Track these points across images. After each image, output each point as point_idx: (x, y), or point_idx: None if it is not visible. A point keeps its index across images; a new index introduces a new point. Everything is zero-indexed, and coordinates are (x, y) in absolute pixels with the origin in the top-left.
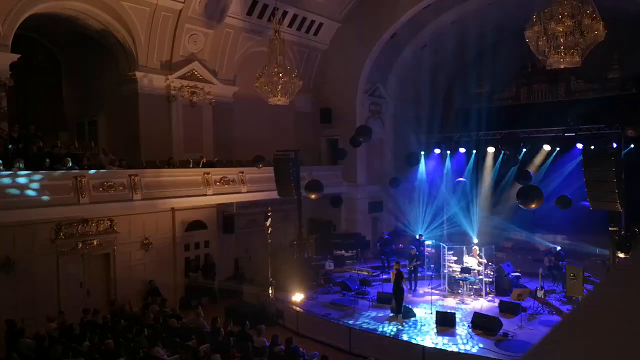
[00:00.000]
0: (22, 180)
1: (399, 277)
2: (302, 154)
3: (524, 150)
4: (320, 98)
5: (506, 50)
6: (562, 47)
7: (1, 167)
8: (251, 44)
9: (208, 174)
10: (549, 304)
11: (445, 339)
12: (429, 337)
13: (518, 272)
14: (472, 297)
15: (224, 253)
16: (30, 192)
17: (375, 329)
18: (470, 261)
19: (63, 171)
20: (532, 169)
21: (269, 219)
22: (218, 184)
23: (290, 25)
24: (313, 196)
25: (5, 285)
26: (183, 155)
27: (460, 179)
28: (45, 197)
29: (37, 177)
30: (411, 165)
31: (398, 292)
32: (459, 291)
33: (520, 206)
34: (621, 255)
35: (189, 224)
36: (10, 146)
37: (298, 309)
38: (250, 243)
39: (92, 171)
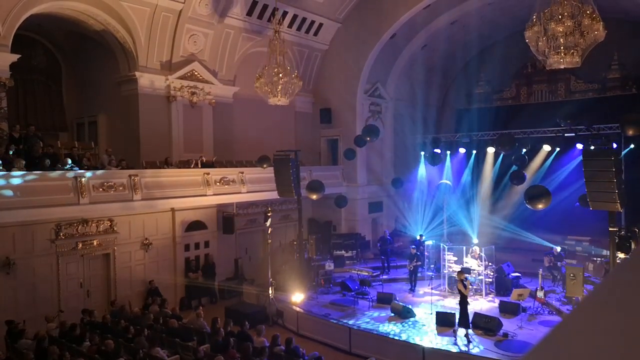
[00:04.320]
0: (22, 180)
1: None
2: (302, 154)
3: (524, 150)
4: (320, 98)
5: (506, 50)
6: (562, 48)
7: (1, 167)
8: (251, 44)
9: (208, 174)
10: (549, 304)
11: (445, 339)
12: (429, 337)
13: (518, 273)
14: (472, 297)
15: (224, 253)
16: (29, 192)
17: (376, 329)
18: (471, 261)
19: (63, 171)
20: (531, 169)
21: (269, 219)
22: (218, 184)
23: (290, 26)
24: (314, 196)
25: (5, 285)
26: (183, 155)
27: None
28: (44, 197)
29: (37, 177)
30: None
31: (463, 305)
32: None
33: (528, 207)
34: (621, 255)
35: (189, 224)
36: (12, 146)
37: (298, 309)
38: (250, 243)
39: (89, 173)
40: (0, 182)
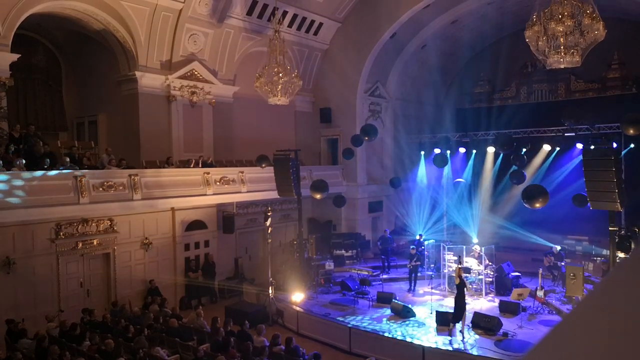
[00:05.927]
0: (22, 180)
1: (462, 284)
2: (302, 154)
3: (524, 149)
4: (320, 98)
5: (506, 49)
6: (562, 47)
7: (2, 167)
8: (251, 44)
9: (208, 173)
10: (549, 304)
11: (446, 339)
12: (428, 337)
13: (518, 272)
14: (473, 297)
15: (224, 253)
16: (29, 192)
17: (375, 329)
18: (471, 261)
19: (63, 171)
20: (531, 168)
21: (269, 219)
22: (218, 183)
23: (290, 25)
24: (318, 196)
25: (5, 285)
26: (183, 155)
27: (459, 179)
28: (44, 197)
29: (37, 176)
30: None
31: (460, 301)
32: None
33: (526, 206)
34: (621, 254)
35: (189, 224)
36: (12, 145)
37: (298, 308)
38: (250, 243)
39: (85, 173)
40: (1, 182)
